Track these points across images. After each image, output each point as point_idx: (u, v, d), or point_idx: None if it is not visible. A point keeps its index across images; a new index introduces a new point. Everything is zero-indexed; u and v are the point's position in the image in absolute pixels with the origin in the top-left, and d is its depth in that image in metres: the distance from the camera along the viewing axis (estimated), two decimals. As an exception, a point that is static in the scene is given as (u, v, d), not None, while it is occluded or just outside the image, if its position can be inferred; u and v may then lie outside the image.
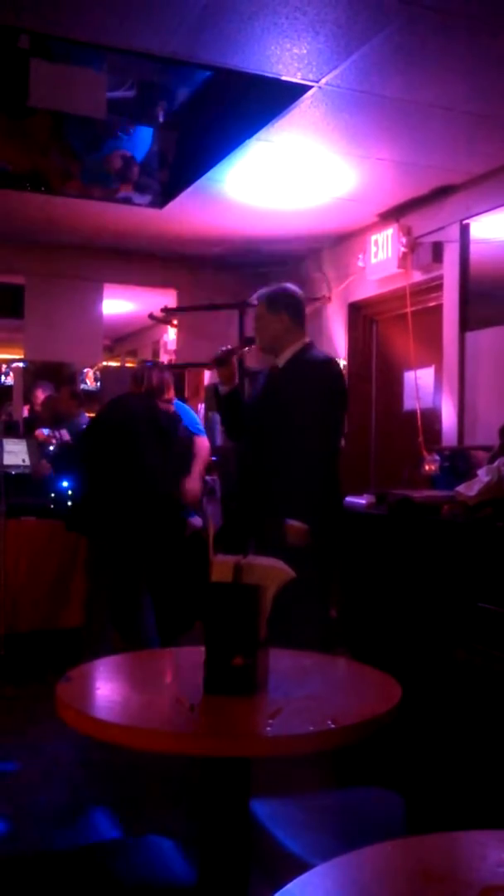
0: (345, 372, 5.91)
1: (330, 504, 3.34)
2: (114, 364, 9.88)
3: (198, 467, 4.71)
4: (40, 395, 6.82)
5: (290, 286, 3.62)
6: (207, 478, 5.14)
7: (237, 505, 3.64)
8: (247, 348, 3.68)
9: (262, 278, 7.08)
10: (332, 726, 1.54)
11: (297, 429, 3.22)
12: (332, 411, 3.33)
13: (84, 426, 5.58)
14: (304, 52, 3.32)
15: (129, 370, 5.92)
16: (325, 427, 3.28)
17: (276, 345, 3.44)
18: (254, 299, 3.63)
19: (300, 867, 1.12)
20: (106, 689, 1.91)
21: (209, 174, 4.74)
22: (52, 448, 5.59)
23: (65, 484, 5.06)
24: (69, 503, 4.89)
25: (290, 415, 3.25)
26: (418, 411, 5.17)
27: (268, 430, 3.34)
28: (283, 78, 3.54)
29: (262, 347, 3.55)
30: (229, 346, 3.60)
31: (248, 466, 3.55)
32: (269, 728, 1.58)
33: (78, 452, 4.28)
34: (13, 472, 5.16)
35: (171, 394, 4.44)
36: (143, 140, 4.83)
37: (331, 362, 3.47)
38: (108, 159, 4.88)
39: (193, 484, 4.62)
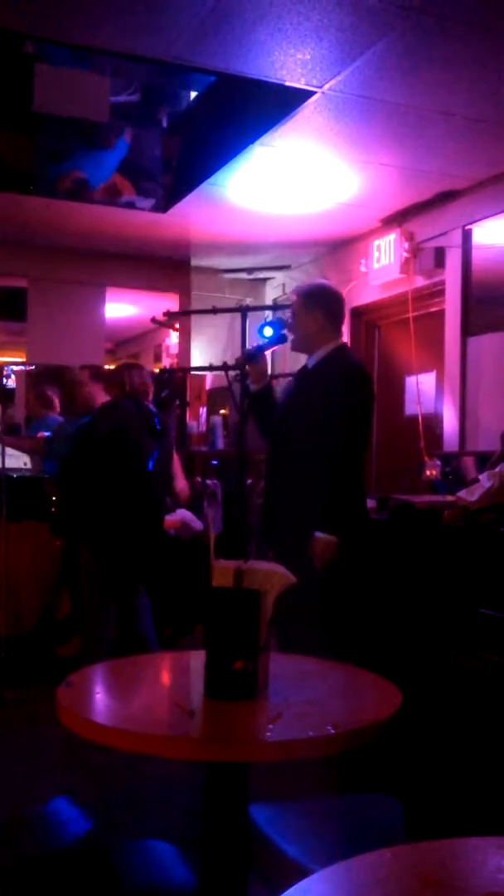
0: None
1: (356, 515, 3.22)
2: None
3: (178, 467, 4.75)
4: (51, 396, 6.82)
5: (329, 284, 3.47)
6: (208, 482, 5.16)
7: (262, 510, 3.51)
8: (275, 346, 3.55)
9: (264, 283, 7.11)
10: (333, 732, 1.54)
11: (322, 435, 3.08)
12: (358, 419, 3.17)
13: (54, 427, 5.53)
14: (308, 57, 3.32)
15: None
16: (351, 435, 3.13)
17: (309, 344, 3.29)
18: (291, 294, 3.48)
19: (299, 872, 1.12)
20: (106, 693, 1.91)
21: (212, 179, 4.75)
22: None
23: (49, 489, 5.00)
24: (56, 508, 4.83)
25: (316, 419, 3.12)
26: (420, 416, 5.17)
27: (294, 434, 3.20)
28: (287, 83, 3.55)
29: (294, 345, 3.40)
30: (259, 343, 3.48)
31: (273, 471, 3.39)
32: (269, 733, 1.58)
33: (75, 459, 4.25)
34: (14, 476, 5.17)
35: (150, 395, 4.43)
36: (104, 166, 4.84)
37: (361, 368, 3.32)
38: (61, 178, 4.91)
39: (183, 484, 4.67)
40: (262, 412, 3.45)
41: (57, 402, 6.29)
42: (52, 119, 4.41)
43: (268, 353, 3.64)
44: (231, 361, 3.46)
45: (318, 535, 3.03)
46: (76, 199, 5.08)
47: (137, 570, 4.12)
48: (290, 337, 3.41)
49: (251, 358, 3.38)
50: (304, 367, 3.37)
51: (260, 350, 3.41)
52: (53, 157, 4.82)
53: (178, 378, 6.35)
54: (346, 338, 6.03)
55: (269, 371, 6.34)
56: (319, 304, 3.28)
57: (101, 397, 4.79)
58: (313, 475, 3.09)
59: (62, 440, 5.03)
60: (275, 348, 3.54)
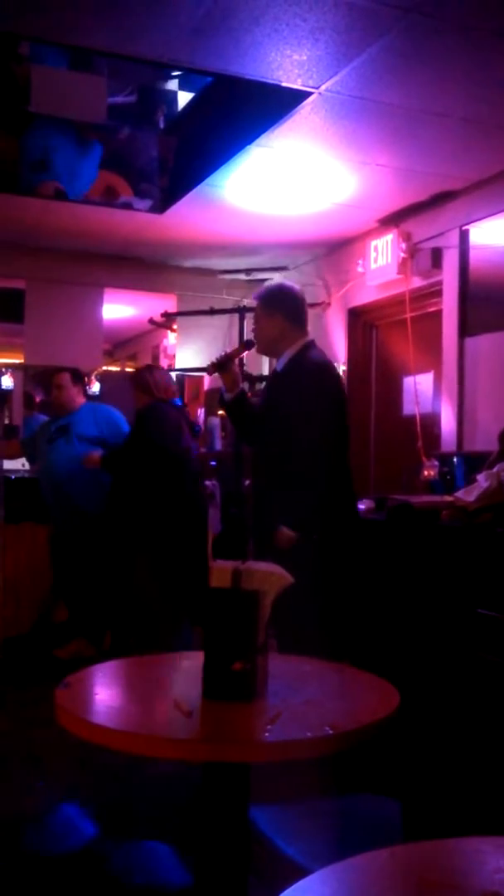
0: (344, 377, 5.95)
1: (342, 514, 3.21)
2: (114, 369, 9.88)
3: None
4: (36, 398, 6.85)
5: (287, 284, 3.46)
6: (206, 482, 5.16)
7: (252, 513, 3.54)
8: (246, 352, 3.52)
9: (262, 284, 7.11)
10: (331, 732, 1.54)
11: (294, 435, 3.10)
12: (324, 417, 3.12)
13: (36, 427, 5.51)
14: (304, 58, 3.33)
15: (128, 374, 5.92)
16: (320, 432, 3.10)
17: (274, 347, 3.29)
18: (253, 298, 3.49)
19: (298, 873, 1.12)
20: (104, 694, 1.91)
21: (209, 180, 4.75)
22: None
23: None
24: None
25: (288, 421, 3.14)
26: (417, 416, 5.18)
27: (270, 437, 3.23)
28: (283, 84, 3.55)
29: (260, 350, 3.41)
30: (227, 351, 3.47)
31: (257, 474, 3.45)
32: (267, 734, 1.58)
33: (130, 471, 4.30)
34: (13, 477, 5.16)
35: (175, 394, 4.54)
36: (82, 176, 4.87)
37: (323, 365, 3.27)
38: (44, 184, 4.93)
39: None
40: (239, 419, 3.44)
41: (37, 401, 6.34)
42: (37, 122, 4.43)
43: (243, 358, 3.63)
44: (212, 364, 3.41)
45: (282, 527, 3.06)
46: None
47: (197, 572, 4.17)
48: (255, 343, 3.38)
49: (221, 367, 3.32)
50: (275, 370, 3.38)
51: (230, 357, 3.35)
52: (33, 167, 4.85)
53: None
54: (344, 338, 6.09)
55: (264, 372, 6.34)
56: (279, 306, 3.26)
57: (80, 400, 4.84)
58: (286, 476, 3.10)
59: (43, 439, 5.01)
60: (245, 354, 3.51)
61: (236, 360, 3.41)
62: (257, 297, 3.38)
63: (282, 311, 3.26)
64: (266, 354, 3.46)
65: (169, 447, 4.27)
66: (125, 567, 4.48)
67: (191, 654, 1.95)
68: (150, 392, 4.40)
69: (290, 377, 3.24)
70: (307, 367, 3.21)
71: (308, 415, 3.09)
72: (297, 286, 3.44)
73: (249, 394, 3.62)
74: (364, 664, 2.07)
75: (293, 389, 3.18)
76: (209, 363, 3.40)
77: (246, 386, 4.23)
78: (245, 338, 4.98)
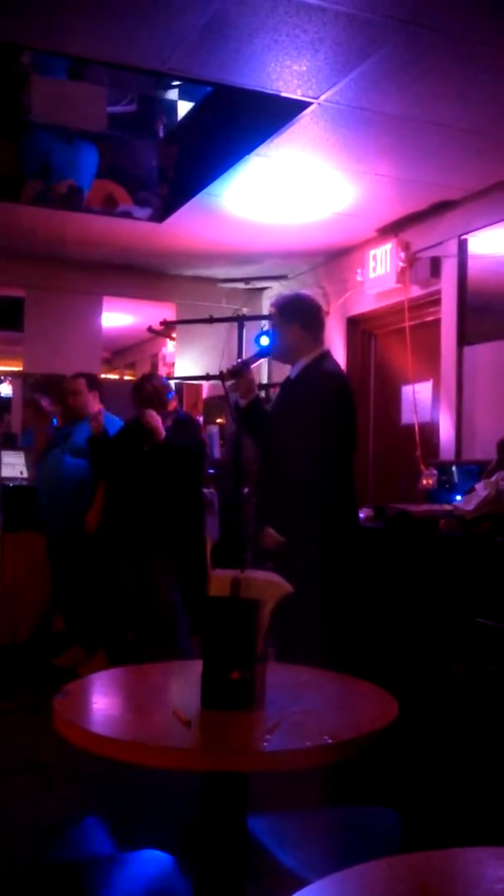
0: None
1: (343, 523, 3.21)
2: (113, 377, 9.89)
3: None
4: (45, 405, 6.83)
5: (304, 294, 3.49)
6: (205, 490, 5.16)
7: (255, 520, 3.57)
8: (260, 359, 3.55)
9: (260, 292, 7.12)
10: (329, 741, 1.54)
11: (301, 444, 3.10)
12: (331, 426, 3.14)
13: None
14: (304, 69, 3.34)
15: (128, 383, 5.92)
16: (326, 442, 3.12)
17: (290, 355, 3.32)
18: (270, 306, 3.51)
19: (297, 883, 1.12)
20: (102, 703, 1.91)
21: (209, 189, 4.77)
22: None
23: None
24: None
25: (297, 428, 3.15)
26: (416, 425, 5.18)
27: (278, 444, 3.24)
28: (283, 94, 3.57)
29: (277, 356, 3.44)
30: (244, 358, 3.49)
31: (262, 481, 3.45)
32: (266, 743, 1.57)
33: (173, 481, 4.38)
34: (11, 485, 5.16)
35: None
36: (87, 171, 4.89)
37: (335, 376, 3.29)
38: (58, 184, 4.95)
39: None
40: (254, 424, 3.46)
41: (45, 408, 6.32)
42: (33, 127, 4.45)
43: (257, 365, 3.64)
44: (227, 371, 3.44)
45: (269, 529, 3.10)
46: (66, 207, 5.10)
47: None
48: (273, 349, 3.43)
49: (237, 373, 3.37)
50: (288, 378, 3.41)
51: (245, 364, 3.40)
52: (35, 174, 4.87)
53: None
54: (342, 347, 6.10)
55: (269, 380, 6.35)
56: (296, 315, 3.30)
57: (95, 406, 4.82)
58: (296, 484, 3.10)
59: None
60: (261, 361, 3.54)
61: (251, 367, 3.44)
62: (274, 306, 3.40)
63: (299, 320, 3.29)
64: (282, 361, 3.45)
65: (201, 454, 4.59)
66: (125, 573, 4.47)
67: (190, 663, 1.95)
68: (164, 404, 4.45)
69: (303, 386, 3.26)
70: (320, 378, 3.24)
71: (315, 425, 3.11)
72: (313, 296, 3.46)
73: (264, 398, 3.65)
74: (363, 673, 2.07)
75: (304, 398, 3.20)
76: (223, 370, 3.44)
77: (262, 393, 4.23)
78: (244, 351, 5.02)
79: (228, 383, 3.54)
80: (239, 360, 3.42)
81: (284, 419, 3.26)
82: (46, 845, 2.59)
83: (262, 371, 6.19)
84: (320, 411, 3.13)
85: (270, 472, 3.34)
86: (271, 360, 5.73)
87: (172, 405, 4.52)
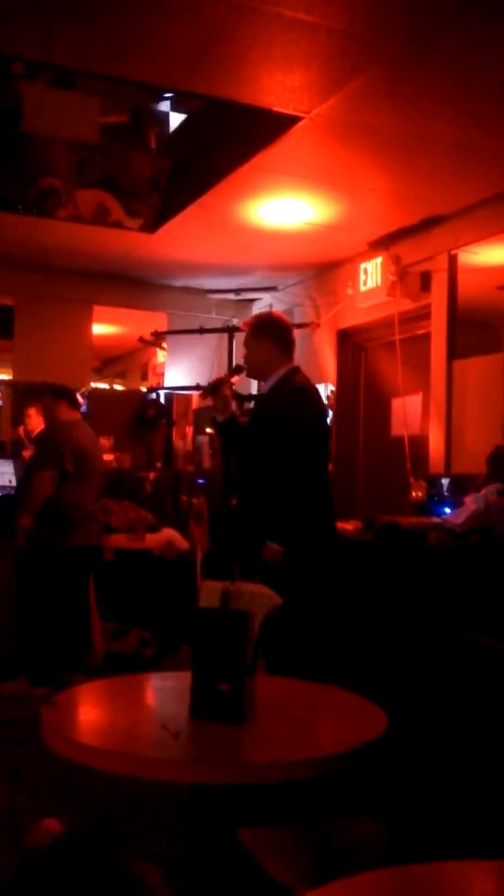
0: (332, 398, 5.98)
1: (320, 532, 3.28)
2: (103, 386, 9.89)
3: None
4: (34, 413, 6.81)
5: (275, 312, 3.64)
6: (195, 500, 5.16)
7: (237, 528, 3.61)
8: (236, 376, 3.63)
9: (251, 304, 7.15)
10: (318, 754, 1.55)
11: (274, 455, 3.21)
12: (302, 438, 3.24)
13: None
14: (296, 84, 3.37)
15: (118, 393, 5.90)
16: (297, 453, 3.21)
17: (263, 371, 3.45)
18: (243, 325, 3.67)
19: (284, 895, 1.12)
20: (91, 714, 1.90)
21: (200, 200, 4.78)
22: None
23: None
24: None
25: (267, 442, 3.26)
26: (406, 438, 5.20)
27: (252, 457, 3.35)
28: (275, 109, 3.59)
29: (249, 373, 3.55)
30: (219, 376, 3.56)
31: (241, 493, 3.56)
32: (254, 755, 1.57)
33: None
34: (0, 494, 5.14)
35: None
36: None
37: (304, 390, 3.38)
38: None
39: None
40: (231, 440, 3.55)
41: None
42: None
43: (238, 380, 3.70)
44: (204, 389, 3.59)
45: (269, 542, 3.15)
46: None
47: None
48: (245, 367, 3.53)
49: (212, 391, 3.47)
50: (261, 393, 3.53)
51: (220, 383, 3.48)
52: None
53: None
54: (333, 359, 6.12)
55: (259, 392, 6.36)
56: (269, 333, 3.41)
57: (69, 414, 4.78)
58: (270, 496, 3.19)
59: None
60: (235, 378, 3.61)
61: (227, 384, 3.50)
62: (248, 324, 3.54)
63: (271, 337, 3.40)
64: (254, 378, 3.63)
65: None
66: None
67: (179, 674, 1.95)
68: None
69: (274, 400, 3.37)
70: (290, 389, 3.35)
71: (286, 437, 3.20)
72: (284, 315, 3.61)
73: (238, 413, 3.69)
74: (351, 686, 2.08)
75: (275, 412, 3.31)
76: (204, 386, 3.51)
77: (234, 406, 4.27)
78: (235, 362, 5.03)
79: (205, 400, 3.65)
80: (215, 378, 3.50)
81: (259, 432, 3.36)
82: (38, 857, 2.58)
83: (253, 384, 6.20)
84: (290, 423, 3.23)
85: (248, 485, 3.44)
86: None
87: None
